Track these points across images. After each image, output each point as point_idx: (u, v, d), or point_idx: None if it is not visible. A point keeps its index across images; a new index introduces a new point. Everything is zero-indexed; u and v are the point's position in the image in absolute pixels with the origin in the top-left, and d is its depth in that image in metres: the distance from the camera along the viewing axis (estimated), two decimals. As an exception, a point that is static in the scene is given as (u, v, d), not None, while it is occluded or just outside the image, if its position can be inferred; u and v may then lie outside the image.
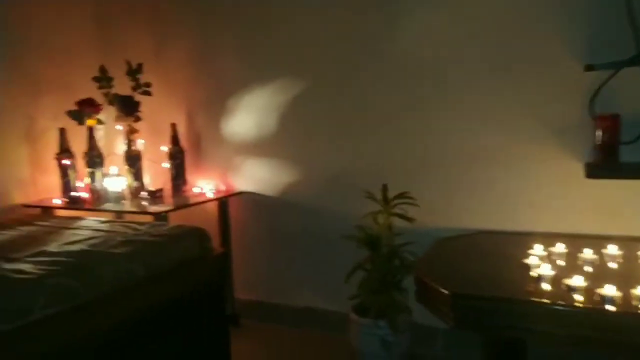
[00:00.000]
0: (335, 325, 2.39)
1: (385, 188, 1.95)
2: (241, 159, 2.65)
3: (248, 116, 2.60)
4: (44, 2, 2.61)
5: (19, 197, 2.51)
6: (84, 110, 2.53)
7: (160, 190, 2.58)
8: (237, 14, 2.56)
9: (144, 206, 2.39)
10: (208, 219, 2.58)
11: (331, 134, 2.42)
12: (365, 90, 2.32)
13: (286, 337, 2.49)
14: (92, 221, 2.13)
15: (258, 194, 2.62)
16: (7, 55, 2.45)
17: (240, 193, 2.65)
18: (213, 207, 2.63)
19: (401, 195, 1.91)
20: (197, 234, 1.91)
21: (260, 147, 2.59)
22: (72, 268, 1.49)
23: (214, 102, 2.68)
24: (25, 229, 2.02)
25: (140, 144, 2.65)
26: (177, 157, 2.65)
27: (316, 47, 2.39)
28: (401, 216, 1.88)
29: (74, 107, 2.53)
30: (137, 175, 2.63)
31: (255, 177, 2.62)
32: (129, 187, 2.60)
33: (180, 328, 1.81)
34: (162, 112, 2.74)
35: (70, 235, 1.88)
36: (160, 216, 2.25)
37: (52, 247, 1.68)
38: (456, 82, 2.12)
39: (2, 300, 1.29)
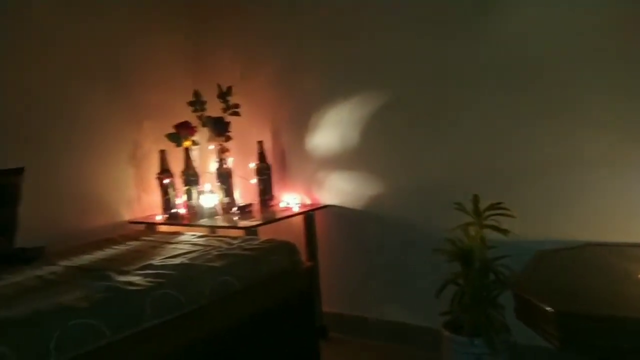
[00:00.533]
0: (426, 341, 2.32)
1: (476, 198, 1.87)
2: (325, 173, 2.69)
3: (331, 131, 2.65)
4: (147, 39, 2.86)
5: (126, 214, 2.75)
6: (180, 132, 2.73)
7: (250, 205, 2.70)
8: (319, 31, 2.63)
9: (235, 221, 2.51)
10: (295, 232, 2.64)
11: (416, 144, 2.38)
12: (453, 98, 2.26)
13: (375, 352, 2.47)
14: (189, 236, 2.27)
15: (343, 207, 2.64)
16: (118, 88, 2.71)
17: (326, 207, 2.69)
18: (299, 221, 2.69)
19: (494, 206, 1.82)
20: (287, 248, 1.97)
21: (344, 161, 2.62)
22: (175, 281, 1.60)
23: (298, 119, 2.76)
24: (133, 244, 2.20)
25: (230, 162, 2.79)
26: (264, 173, 2.75)
27: (401, 57, 2.38)
28: (495, 228, 1.79)
29: (172, 131, 2.73)
30: (228, 191, 2.77)
31: (339, 190, 2.65)
32: (221, 202, 2.74)
33: (272, 339, 1.86)
34: (249, 130, 2.87)
35: (171, 250, 2.02)
36: (250, 230, 2.35)
37: (157, 261, 1.81)
38: (558, 81, 2.00)
39: (116, 309, 1.41)
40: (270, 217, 2.54)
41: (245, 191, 2.84)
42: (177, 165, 2.78)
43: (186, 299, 1.59)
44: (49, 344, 1.24)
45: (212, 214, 2.67)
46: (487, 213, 1.83)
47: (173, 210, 2.71)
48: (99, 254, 2.02)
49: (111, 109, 2.69)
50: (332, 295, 2.68)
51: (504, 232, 1.78)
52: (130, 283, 1.56)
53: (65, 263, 1.89)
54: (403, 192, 2.43)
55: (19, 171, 2.13)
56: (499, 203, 1.84)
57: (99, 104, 2.63)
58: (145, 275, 1.63)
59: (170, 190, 2.75)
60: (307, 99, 2.71)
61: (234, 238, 2.12)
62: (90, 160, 2.59)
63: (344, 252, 2.67)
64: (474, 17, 2.17)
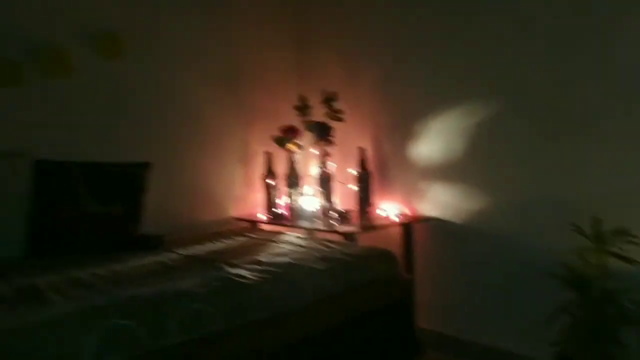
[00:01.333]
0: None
1: (597, 222, 1.72)
2: (427, 183, 2.65)
3: (435, 140, 2.59)
4: (260, 49, 3.03)
5: (233, 210, 2.92)
6: (286, 135, 2.84)
7: (349, 211, 2.73)
8: (424, 38, 2.59)
9: (334, 225, 2.56)
10: (392, 242, 2.62)
11: (528, 158, 2.25)
12: (576, 111, 2.10)
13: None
14: (291, 236, 2.35)
15: (444, 221, 2.57)
16: (233, 94, 2.90)
17: (426, 219, 2.64)
18: (397, 231, 2.67)
19: (621, 232, 1.66)
20: (387, 257, 1.97)
21: (447, 172, 2.55)
22: (280, 278, 1.67)
23: (400, 126, 2.74)
24: (240, 239, 2.33)
25: (331, 166, 2.85)
26: (364, 180, 2.77)
27: (517, 66, 2.26)
28: (619, 256, 1.64)
29: (278, 133, 2.86)
30: (328, 195, 2.82)
31: (441, 202, 2.58)
32: (321, 206, 2.81)
33: (366, 347, 1.86)
34: (351, 136, 2.91)
35: (275, 248, 2.11)
36: (349, 236, 2.38)
37: (263, 257, 1.90)
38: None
39: (229, 299, 1.51)
40: (368, 224, 2.55)
41: (344, 196, 2.88)
42: (280, 167, 2.90)
43: (290, 296, 1.65)
44: (171, 323, 1.36)
45: (312, 216, 2.75)
46: (612, 239, 1.67)
47: (275, 210, 2.83)
48: (211, 246, 2.17)
49: (226, 112, 2.88)
50: (427, 310, 2.62)
51: (630, 261, 1.61)
52: (241, 276, 1.65)
53: (182, 251, 2.06)
54: (511, 208, 2.31)
55: (146, 165, 2.36)
56: (625, 229, 1.68)
57: (217, 107, 2.84)
58: (253, 270, 1.72)
59: (273, 191, 2.88)
60: (411, 106, 2.69)
61: (334, 242, 2.16)
62: (205, 159, 2.79)
63: (442, 267, 2.60)
64: (600, 34, 2.00)
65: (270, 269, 1.74)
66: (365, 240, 2.37)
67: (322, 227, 2.56)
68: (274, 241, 2.26)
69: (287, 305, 1.64)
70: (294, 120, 2.90)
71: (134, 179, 2.29)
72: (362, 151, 2.78)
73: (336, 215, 2.70)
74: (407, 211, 2.72)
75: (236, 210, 2.93)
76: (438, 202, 2.60)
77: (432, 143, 2.61)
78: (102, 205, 2.12)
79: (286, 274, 1.71)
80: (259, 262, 1.82)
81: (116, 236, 2.14)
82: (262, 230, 2.65)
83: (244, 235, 2.41)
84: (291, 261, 1.84)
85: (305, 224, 2.67)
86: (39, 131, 2.17)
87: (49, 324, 1.23)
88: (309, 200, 2.81)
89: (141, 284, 1.57)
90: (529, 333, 2.19)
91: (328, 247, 2.07)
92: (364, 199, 2.76)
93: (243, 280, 1.60)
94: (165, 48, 2.62)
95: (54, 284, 1.56)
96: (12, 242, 1.94)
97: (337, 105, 2.80)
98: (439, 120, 2.57)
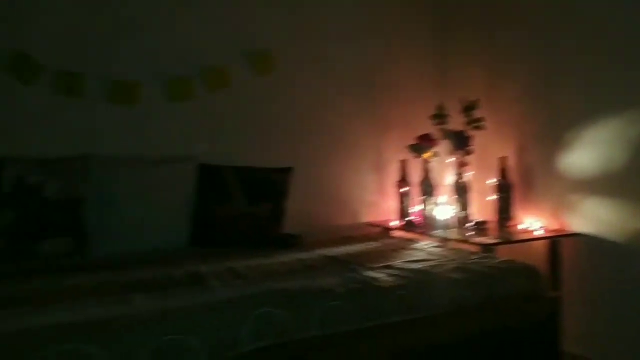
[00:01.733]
0: None
1: None
2: (578, 197, 2.42)
3: (589, 150, 2.37)
4: (397, 58, 3.06)
5: (366, 216, 2.99)
6: (422, 144, 2.83)
7: (486, 222, 2.62)
8: (581, 45, 2.38)
9: (470, 236, 2.47)
10: (534, 257, 2.44)
11: None
12: None
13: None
14: (425, 244, 2.34)
15: (599, 238, 2.33)
16: (368, 103, 2.98)
17: (576, 234, 2.41)
18: (541, 246, 2.48)
19: None
20: (530, 272, 1.85)
21: (603, 185, 2.31)
22: (416, 284, 1.68)
23: (548, 135, 2.55)
24: (373, 244, 2.39)
25: (468, 176, 2.76)
26: (504, 190, 2.64)
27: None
28: None
29: (413, 142, 2.86)
30: (464, 205, 2.74)
31: (595, 218, 2.34)
32: (456, 216, 2.74)
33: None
34: (491, 145, 2.79)
35: (409, 255, 2.12)
36: (487, 248, 2.28)
37: (397, 263, 1.93)
38: None
39: (366, 300, 1.56)
40: (508, 237, 2.42)
41: (481, 207, 2.78)
42: (415, 175, 2.89)
43: (424, 304, 1.65)
44: (313, 316, 1.46)
45: (446, 226, 2.69)
46: None
47: (408, 218, 2.83)
48: (346, 248, 2.26)
49: (362, 121, 2.97)
50: (575, 334, 2.38)
51: None
52: (375, 279, 1.70)
53: (319, 252, 2.18)
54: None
55: (289, 170, 2.55)
56: None
57: (353, 116, 2.94)
58: (388, 274, 1.76)
59: (406, 199, 2.89)
60: (560, 114, 2.49)
61: (471, 253, 2.10)
62: (341, 165, 2.91)
63: (594, 288, 2.35)
64: None
65: (406, 274, 1.76)
66: (505, 254, 2.24)
67: (457, 237, 2.50)
68: (407, 248, 2.26)
69: (422, 311, 1.64)
70: (430, 128, 2.87)
71: (278, 182, 2.48)
72: (503, 160, 2.65)
73: (473, 225, 2.61)
74: (553, 225, 2.52)
75: (369, 216, 3.00)
76: (591, 216, 2.36)
77: (586, 153, 2.38)
78: (251, 206, 2.35)
79: (422, 281, 1.71)
80: (394, 267, 1.85)
81: (262, 234, 2.35)
82: (395, 236, 2.68)
83: (378, 241, 2.46)
84: (427, 268, 1.83)
85: (439, 232, 2.63)
86: (202, 139, 2.48)
87: (211, 306, 1.40)
88: (444, 209, 2.76)
89: (286, 278, 1.71)
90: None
91: (464, 257, 2.01)
92: (504, 210, 2.63)
93: (379, 284, 1.64)
94: (309, 63, 2.79)
95: (214, 272, 1.77)
96: (180, 233, 2.25)
97: (477, 113, 2.72)
98: (596, 129, 2.34)
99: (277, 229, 2.42)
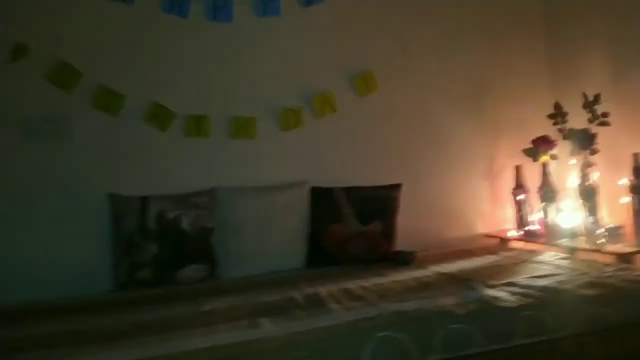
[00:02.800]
0: None
1: None
2: None
3: None
4: (505, 58, 2.90)
5: (480, 227, 2.87)
6: (538, 147, 2.65)
7: (621, 227, 2.36)
8: None
9: (602, 245, 2.25)
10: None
11: None
12: None
13: None
14: (550, 256, 2.18)
15: None
16: (476, 108, 2.87)
17: None
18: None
19: None
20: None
21: None
22: (544, 303, 1.57)
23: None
24: (492, 258, 2.28)
25: (595, 177, 2.52)
26: (640, 190, 2.36)
27: None
28: None
29: (528, 145, 2.69)
30: (592, 210, 2.50)
31: None
32: (584, 222, 2.50)
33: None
34: (620, 142, 2.50)
35: (533, 269, 1.99)
36: (623, 257, 2.06)
37: (521, 279, 1.82)
38: None
39: (490, 322, 1.50)
40: (650, 244, 2.16)
41: (612, 211, 2.50)
42: (532, 181, 2.71)
43: (556, 324, 1.54)
44: (435, 340, 1.43)
45: (573, 234, 2.47)
46: None
47: (528, 227, 2.66)
48: (463, 264, 2.19)
49: (469, 127, 2.86)
50: None
51: None
52: (498, 298, 1.62)
53: (434, 268, 2.13)
54: None
55: (397, 187, 2.54)
56: None
57: (461, 125, 2.85)
58: (512, 293, 1.67)
59: (524, 206, 2.71)
60: None
61: (606, 265, 1.91)
62: (450, 176, 2.83)
63: None
64: None
65: (531, 291, 1.65)
66: (646, 264, 2.01)
67: (586, 246, 2.29)
68: (530, 261, 2.13)
69: (552, 333, 1.53)
70: (547, 129, 2.68)
71: (388, 199, 2.49)
72: (636, 157, 2.37)
73: (604, 232, 2.37)
74: None
75: (484, 226, 2.87)
76: None
77: None
78: (363, 224, 2.38)
79: (551, 299, 1.60)
80: (517, 284, 1.75)
81: (374, 252, 2.37)
82: (515, 248, 2.53)
83: (496, 254, 2.34)
84: (555, 284, 1.70)
85: (564, 242, 2.42)
86: (313, 164, 2.59)
87: (333, 331, 1.45)
88: (568, 215, 2.54)
89: (402, 298, 1.70)
90: None
91: (599, 270, 1.84)
92: (641, 214, 2.35)
93: (503, 303, 1.57)
94: (414, 77, 2.76)
95: (331, 293, 1.83)
96: (297, 256, 2.36)
97: (602, 108, 2.47)
98: None
99: (390, 246, 2.42)
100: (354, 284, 1.94)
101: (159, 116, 2.39)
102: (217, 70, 2.51)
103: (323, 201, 2.42)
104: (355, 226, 2.37)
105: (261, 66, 2.56)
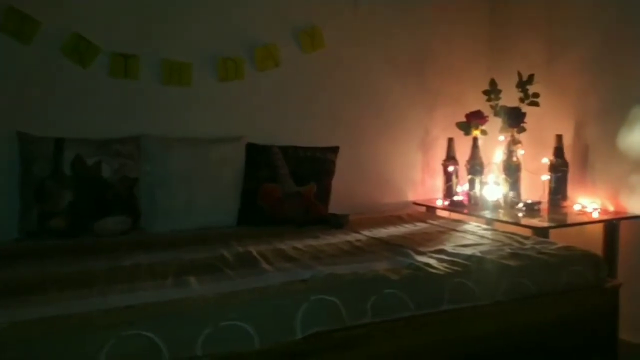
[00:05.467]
0: None
1: None
2: (640, 177, 2.29)
3: (657, 129, 2.22)
4: (446, 32, 2.92)
5: (411, 195, 2.94)
6: (471, 121, 2.72)
7: (538, 203, 2.52)
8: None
9: (520, 218, 2.39)
10: (589, 241, 2.34)
11: None
12: None
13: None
14: (475, 226, 2.27)
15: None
16: (416, 80, 2.87)
17: (636, 217, 2.29)
18: (596, 230, 2.37)
19: None
20: (592, 260, 1.77)
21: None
22: (471, 272, 1.63)
23: (611, 111, 2.40)
24: (421, 225, 2.34)
25: (520, 154, 2.65)
26: (559, 170, 2.52)
27: None
28: None
29: (463, 119, 2.75)
30: (514, 185, 2.64)
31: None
32: (505, 196, 2.64)
33: (561, 357, 1.72)
34: (547, 122, 2.65)
35: (459, 238, 2.06)
36: (539, 231, 2.20)
37: (449, 247, 1.88)
38: None
39: (421, 288, 1.53)
40: (561, 219, 2.33)
41: (532, 188, 2.67)
42: (462, 154, 2.80)
43: (480, 292, 1.60)
44: (367, 303, 1.44)
45: (495, 207, 2.61)
46: None
47: (454, 198, 2.76)
48: (394, 230, 2.23)
49: (409, 97, 2.88)
50: (630, 322, 2.29)
51: None
52: (429, 265, 1.66)
53: (367, 233, 2.15)
54: None
55: (335, 149, 2.51)
56: None
57: (400, 93, 2.85)
58: (441, 260, 1.72)
59: (453, 178, 2.81)
60: (628, 86, 2.33)
61: (525, 237, 2.02)
62: (386, 143, 2.84)
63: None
64: None
65: (459, 260, 1.71)
66: (557, 237, 2.16)
67: (506, 219, 2.42)
68: (457, 230, 2.21)
69: (477, 300, 1.60)
70: (481, 105, 2.76)
71: (325, 162, 2.45)
72: (558, 138, 2.52)
73: (523, 207, 2.52)
74: (610, 207, 2.40)
75: (414, 194, 2.94)
76: (655, 200, 2.23)
77: (653, 132, 2.23)
78: (298, 185, 2.33)
79: (477, 269, 1.66)
80: (445, 252, 1.81)
81: (308, 213, 2.33)
82: (441, 217, 2.61)
83: (425, 222, 2.41)
84: (480, 255, 1.77)
85: (486, 213, 2.55)
86: (251, 118, 2.46)
87: (266, 292, 1.41)
88: (492, 189, 2.66)
89: (336, 262, 1.70)
90: None
91: (519, 242, 1.95)
92: (557, 191, 2.52)
93: (433, 271, 1.60)
94: (358, 39, 2.69)
95: (263, 253, 1.78)
96: (228, 213, 2.27)
97: (534, 88, 2.58)
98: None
99: (324, 208, 2.40)
100: (286, 245, 1.90)
101: (80, 50, 2.13)
102: (152, 7, 2.27)
103: (259, 159, 2.33)
104: (290, 186, 2.31)
105: (203, 10, 2.36)
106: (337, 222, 2.29)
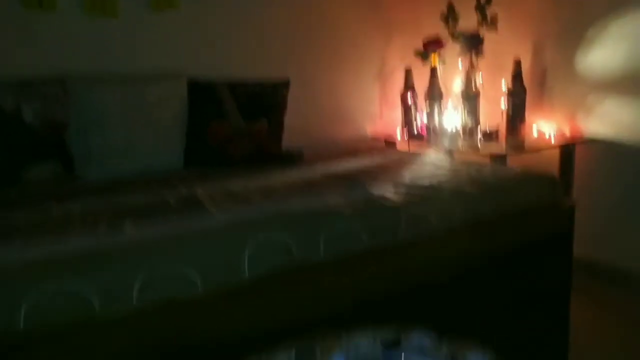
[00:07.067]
0: None
1: None
2: (597, 98, 2.25)
3: (615, 47, 2.16)
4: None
5: (368, 128, 2.84)
6: (429, 48, 2.60)
7: (496, 131, 2.47)
8: None
9: (479, 147, 2.35)
10: (547, 165, 2.34)
11: None
12: None
13: (633, 305, 2.11)
14: (432, 157, 2.21)
15: (615, 143, 2.20)
16: (371, 6, 2.68)
17: (591, 140, 2.28)
18: (554, 154, 2.36)
19: None
20: (548, 182, 1.75)
21: (627, 85, 2.14)
22: (427, 200, 1.57)
23: (569, 32, 2.33)
24: (377, 159, 2.25)
25: (478, 81, 2.56)
26: (517, 96, 2.46)
27: None
28: None
29: (420, 47, 2.62)
30: (473, 114, 2.57)
31: (615, 120, 2.20)
32: (464, 125, 2.58)
33: (519, 277, 1.72)
34: (505, 47, 2.55)
35: (417, 169, 1.99)
36: (497, 159, 2.16)
37: (405, 179, 1.81)
38: None
39: (375, 220, 1.46)
40: (519, 146, 2.29)
41: (491, 115, 2.61)
42: (421, 84, 2.69)
43: (437, 220, 1.55)
44: (319, 238, 1.36)
45: (454, 136, 2.55)
46: None
47: (413, 129, 2.68)
48: (349, 164, 2.13)
49: (363, 24, 2.71)
50: (584, 240, 2.33)
51: None
52: (383, 197, 1.58)
53: (321, 168, 2.05)
54: None
55: (286, 83, 2.35)
56: None
57: (353, 21, 2.68)
58: (396, 192, 1.64)
59: (411, 109, 2.71)
60: (586, 7, 2.24)
61: (483, 165, 1.98)
62: (341, 74, 2.70)
63: (607, 195, 2.27)
64: None
65: (415, 191, 1.64)
66: (516, 163, 2.14)
67: (464, 148, 2.37)
68: (414, 162, 2.14)
69: (434, 228, 1.55)
70: (439, 31, 2.62)
71: (275, 96, 2.30)
72: (517, 63, 2.44)
73: (481, 135, 2.47)
74: (567, 131, 2.37)
75: (372, 128, 2.85)
76: (611, 120, 2.21)
77: (611, 50, 2.18)
78: (247, 122, 2.18)
79: (432, 197, 1.60)
80: (402, 184, 1.73)
81: (259, 151, 2.21)
82: (400, 150, 2.54)
83: (382, 155, 2.33)
84: (437, 183, 1.71)
85: (445, 144, 2.49)
86: (192, 52, 2.25)
87: (206, 233, 1.30)
88: (451, 118, 2.59)
89: (288, 199, 1.60)
90: None
91: (476, 170, 1.89)
92: (516, 117, 2.47)
93: (388, 202, 1.53)
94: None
95: (210, 195, 1.65)
96: (172, 155, 2.11)
97: (492, 11, 2.45)
98: (623, 23, 2.11)
99: (276, 145, 2.28)
100: (236, 185, 1.78)
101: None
102: None
103: (203, 96, 2.15)
104: (239, 123, 2.16)
105: None
106: (290, 158, 2.18)
